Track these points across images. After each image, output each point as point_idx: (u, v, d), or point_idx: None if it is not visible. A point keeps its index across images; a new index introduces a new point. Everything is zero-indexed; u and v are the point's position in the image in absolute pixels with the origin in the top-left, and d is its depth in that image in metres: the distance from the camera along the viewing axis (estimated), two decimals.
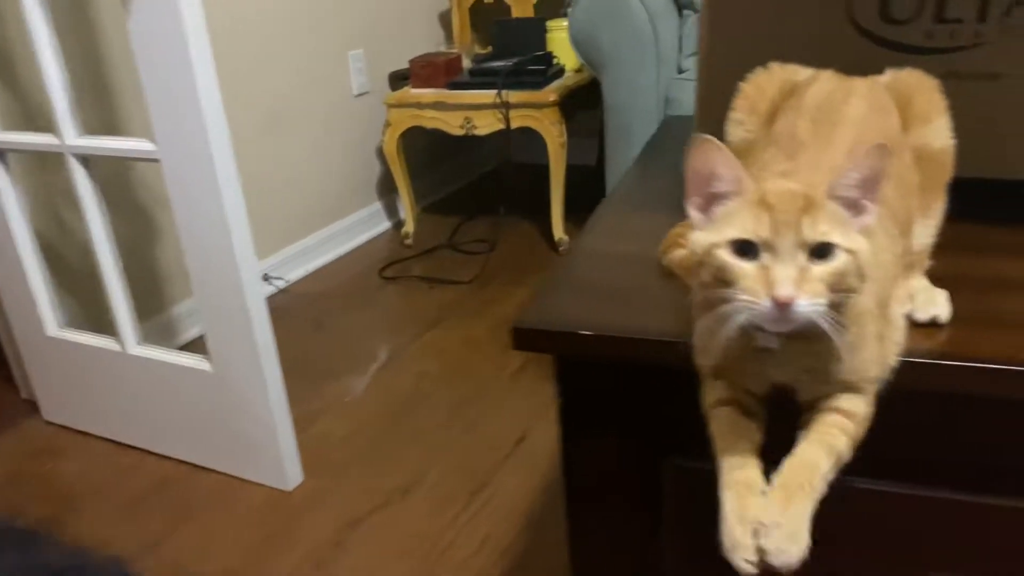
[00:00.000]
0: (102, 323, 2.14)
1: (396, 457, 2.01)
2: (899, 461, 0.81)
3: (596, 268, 1.01)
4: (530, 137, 3.00)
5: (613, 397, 0.90)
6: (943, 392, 0.76)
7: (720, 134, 0.85)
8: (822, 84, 0.88)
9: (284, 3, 2.95)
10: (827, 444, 0.67)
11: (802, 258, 0.60)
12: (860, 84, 0.87)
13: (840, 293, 0.60)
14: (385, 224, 3.52)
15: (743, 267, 0.60)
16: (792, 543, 0.63)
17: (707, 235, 0.64)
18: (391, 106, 3.13)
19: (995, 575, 0.83)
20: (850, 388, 0.69)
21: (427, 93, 3.08)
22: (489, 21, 3.41)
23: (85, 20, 2.34)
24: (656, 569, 0.93)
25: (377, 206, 3.50)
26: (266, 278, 2.94)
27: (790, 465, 0.67)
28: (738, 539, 0.64)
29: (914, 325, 0.78)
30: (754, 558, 0.64)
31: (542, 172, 3.03)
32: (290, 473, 1.92)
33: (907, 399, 0.74)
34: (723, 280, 0.62)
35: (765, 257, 0.60)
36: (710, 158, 0.64)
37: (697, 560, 0.63)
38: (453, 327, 2.63)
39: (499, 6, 3.46)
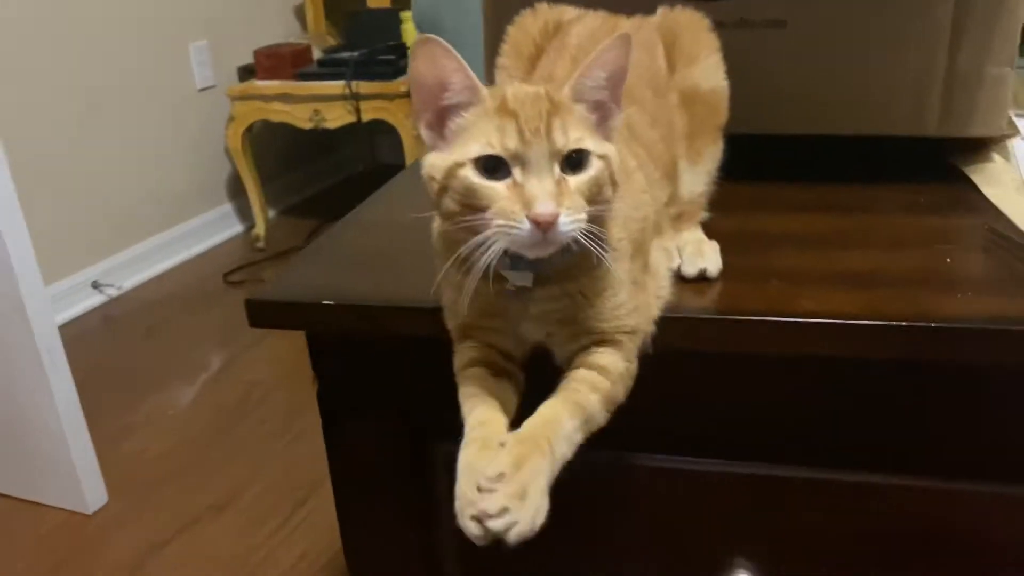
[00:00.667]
0: None
1: (215, 472, 1.83)
2: (668, 431, 0.72)
3: (364, 238, 0.89)
4: (397, 138, 2.87)
5: (371, 376, 0.79)
6: (714, 352, 0.68)
7: None
8: (587, 23, 0.80)
9: None
10: (572, 402, 0.57)
11: (556, 170, 0.52)
12: (626, 23, 0.78)
13: (597, 205, 0.53)
14: (237, 227, 3.31)
15: (494, 187, 0.52)
16: (519, 503, 0.50)
17: (445, 156, 0.54)
18: (235, 99, 2.94)
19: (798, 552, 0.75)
20: (605, 340, 0.59)
21: (273, 85, 2.91)
22: (345, 13, 3.27)
23: None
24: (433, 561, 0.82)
25: (228, 208, 3.29)
26: (95, 285, 2.71)
27: (529, 422, 0.56)
28: (466, 494, 0.52)
29: (684, 281, 0.70)
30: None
31: None
32: (90, 494, 1.72)
33: (676, 359, 0.65)
34: (471, 206, 0.52)
35: (517, 172, 0.52)
36: (437, 64, 0.53)
37: (476, 551, 0.50)
38: (293, 333, 2.45)
39: None
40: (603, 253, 0.53)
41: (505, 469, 0.51)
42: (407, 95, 2.78)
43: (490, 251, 0.52)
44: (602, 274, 0.57)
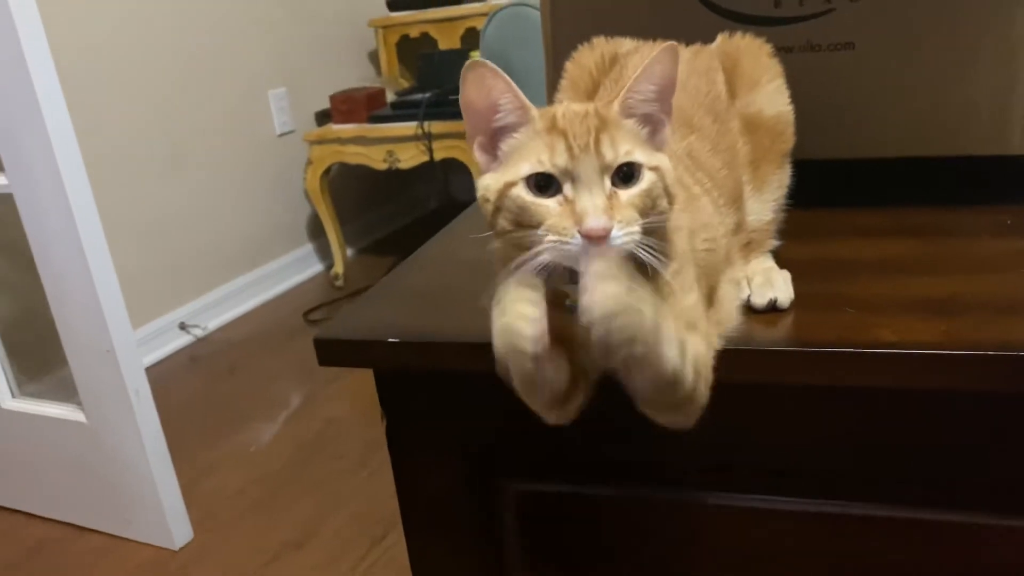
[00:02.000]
0: None
1: (294, 508, 1.86)
2: (735, 468, 0.70)
3: (430, 274, 0.90)
4: (469, 175, 2.91)
5: (438, 413, 0.78)
6: (784, 384, 0.65)
7: None
8: (644, 54, 0.79)
9: (197, 41, 2.86)
10: (680, 337, 0.52)
11: (607, 184, 0.52)
12: (684, 51, 0.77)
13: (651, 217, 0.53)
14: (317, 267, 3.40)
15: (545, 204, 0.52)
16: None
17: (498, 176, 0.54)
18: (312, 143, 3.03)
19: None
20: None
21: (348, 128, 2.98)
22: (417, 56, 3.34)
23: None
24: None
25: (308, 248, 3.38)
26: (182, 326, 2.80)
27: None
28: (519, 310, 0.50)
29: (754, 312, 0.68)
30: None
31: None
32: (176, 531, 1.76)
33: (744, 392, 0.63)
34: (524, 223, 0.53)
35: (567, 189, 0.52)
36: (486, 85, 0.54)
37: None
38: (368, 370, 2.49)
39: (427, 41, 3.40)
40: (662, 263, 0.52)
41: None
42: None
43: (535, 260, 0.51)
44: (671, 279, 0.56)
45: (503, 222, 0.54)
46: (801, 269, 0.72)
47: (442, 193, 4.01)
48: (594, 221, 0.50)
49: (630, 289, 0.47)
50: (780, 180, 0.75)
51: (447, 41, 3.33)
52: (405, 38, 3.45)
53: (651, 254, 0.52)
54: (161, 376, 2.56)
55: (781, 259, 0.74)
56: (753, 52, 0.76)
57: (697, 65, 0.75)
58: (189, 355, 2.76)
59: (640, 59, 0.78)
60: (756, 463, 0.70)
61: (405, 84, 3.44)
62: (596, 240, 0.50)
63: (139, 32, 2.67)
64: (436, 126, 2.83)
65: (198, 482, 1.94)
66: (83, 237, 1.53)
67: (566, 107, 0.55)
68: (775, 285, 0.68)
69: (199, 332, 2.84)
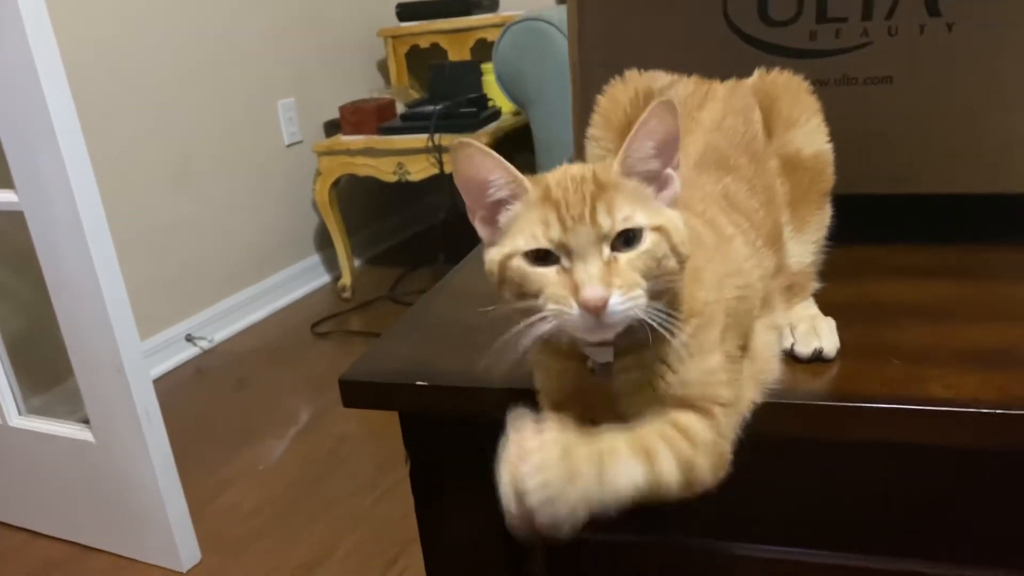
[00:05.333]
0: None
1: (305, 529, 1.84)
2: (773, 520, 0.68)
3: (456, 309, 0.88)
4: None
5: (465, 459, 0.76)
6: (830, 439, 0.64)
7: None
8: (679, 90, 0.77)
9: (205, 51, 2.85)
10: (641, 445, 0.52)
11: (606, 251, 0.51)
12: (720, 88, 0.76)
13: (660, 279, 0.51)
14: (324, 278, 3.38)
15: (544, 273, 0.51)
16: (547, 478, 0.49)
17: (499, 248, 0.54)
18: (321, 154, 3.01)
19: None
20: (693, 408, 0.55)
21: (357, 140, 2.96)
22: (427, 67, 3.32)
23: None
24: None
25: (315, 259, 3.36)
26: (189, 338, 2.78)
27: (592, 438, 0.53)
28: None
29: (797, 361, 0.66)
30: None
31: None
32: (184, 552, 1.74)
33: (786, 445, 0.62)
34: (527, 293, 0.52)
35: (564, 259, 0.51)
36: (475, 164, 0.54)
37: None
38: None
39: (437, 51, 3.38)
40: (674, 327, 0.51)
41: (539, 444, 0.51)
42: (489, 147, 2.80)
43: (537, 329, 0.51)
44: (687, 341, 0.54)
45: (507, 293, 0.54)
46: (842, 313, 0.70)
47: (451, 205, 3.99)
48: (590, 292, 0.49)
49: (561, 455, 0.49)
50: (820, 221, 0.73)
51: (457, 52, 3.31)
52: (415, 48, 3.44)
53: (660, 320, 0.50)
54: (167, 389, 2.54)
55: (821, 302, 0.72)
56: (791, 89, 0.74)
57: (734, 103, 0.73)
58: (195, 367, 2.74)
59: (675, 95, 0.76)
60: (788, 514, 0.68)
61: (415, 95, 3.42)
62: (594, 310, 0.49)
63: (147, 42, 2.65)
64: (446, 139, 2.81)
65: (206, 502, 1.92)
66: (95, 257, 1.51)
67: (562, 173, 0.54)
68: (821, 334, 0.66)
69: (205, 344, 2.82)
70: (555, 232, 0.51)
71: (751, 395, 0.59)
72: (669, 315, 0.51)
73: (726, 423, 0.55)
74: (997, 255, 0.83)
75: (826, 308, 0.71)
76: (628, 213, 0.51)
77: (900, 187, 0.86)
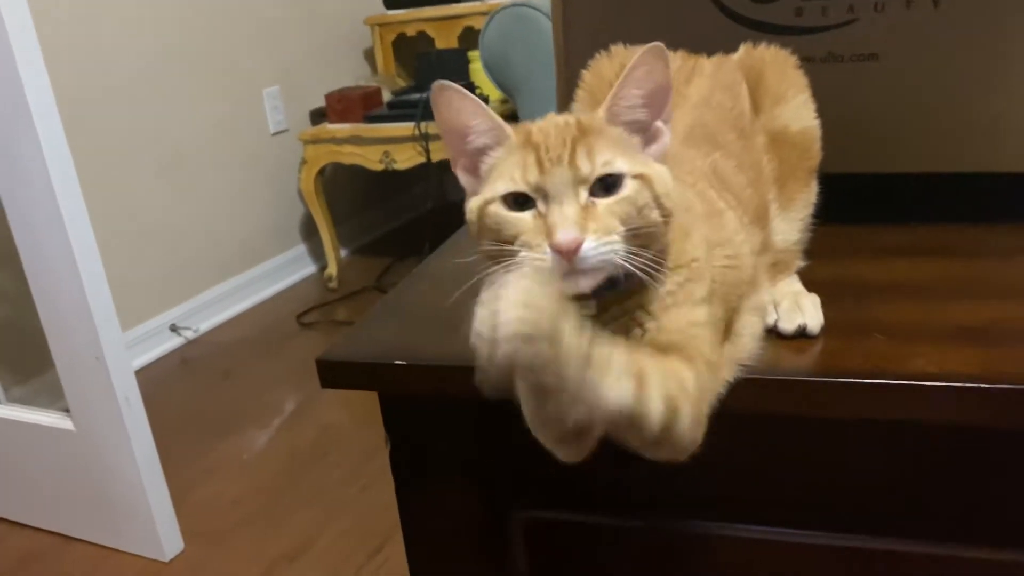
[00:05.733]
0: None
1: (288, 519, 1.82)
2: (761, 500, 0.67)
3: (435, 292, 0.86)
4: None
5: (445, 440, 0.75)
6: (814, 416, 0.62)
7: None
8: None
9: (190, 38, 2.81)
10: (638, 370, 0.47)
11: (583, 195, 0.50)
12: (707, 63, 0.75)
13: (641, 229, 0.50)
14: (310, 268, 3.36)
15: (520, 217, 0.51)
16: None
17: (479, 196, 0.53)
18: (307, 142, 2.99)
19: None
20: (675, 353, 0.52)
21: (343, 128, 2.94)
22: (414, 55, 3.30)
23: None
24: None
25: (301, 249, 3.34)
26: (174, 328, 2.76)
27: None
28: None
29: (781, 338, 0.65)
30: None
31: None
32: (167, 542, 1.72)
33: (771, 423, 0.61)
34: (504, 239, 0.51)
35: (540, 203, 0.50)
36: (454, 107, 0.53)
37: None
38: None
39: (424, 39, 3.36)
40: (659, 274, 0.50)
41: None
42: None
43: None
44: (674, 290, 0.53)
45: (485, 241, 0.53)
46: (827, 291, 0.69)
47: (438, 194, 3.97)
48: (562, 235, 0.47)
49: (552, 316, 0.42)
50: (807, 198, 0.72)
51: (445, 40, 3.29)
52: (402, 36, 3.41)
53: (641, 265, 0.49)
54: (151, 379, 2.52)
55: (805, 280, 0.71)
56: (778, 64, 0.73)
57: (721, 79, 0.71)
58: (180, 358, 2.72)
59: None
60: (768, 495, 0.67)
61: (402, 83, 3.40)
62: (566, 253, 0.47)
63: (131, 29, 2.62)
64: (434, 127, 2.79)
65: (189, 491, 1.91)
66: (74, 245, 1.49)
67: (544, 121, 0.53)
68: (804, 310, 0.65)
69: (190, 334, 2.80)
70: (532, 175, 0.50)
71: (727, 376, 0.58)
72: (654, 261, 0.50)
73: (709, 384, 0.53)
74: (981, 234, 0.82)
75: (810, 285, 0.70)
76: (608, 158, 0.50)
77: (885, 166, 0.86)
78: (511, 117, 2.46)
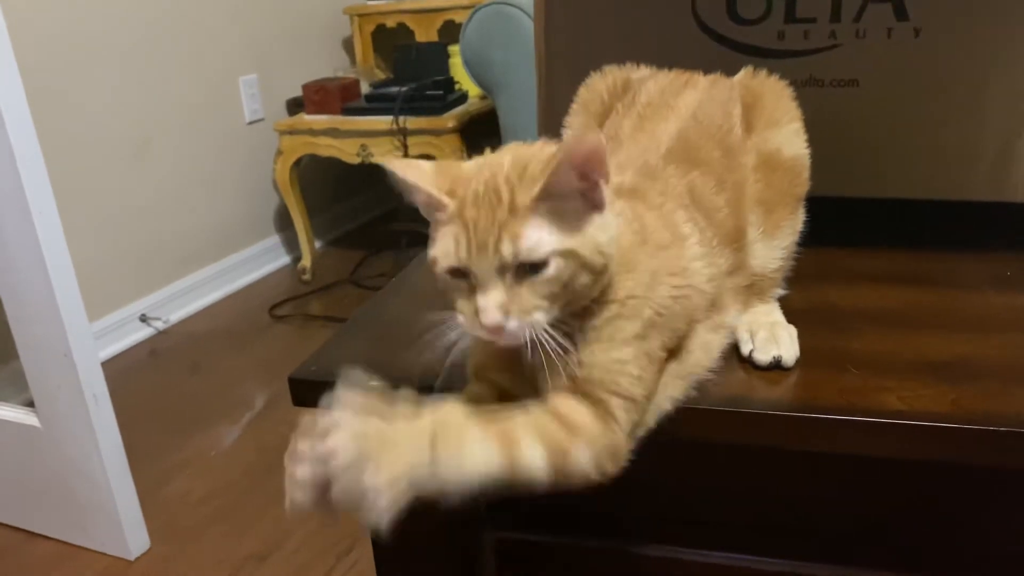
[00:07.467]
0: None
1: (257, 519, 1.81)
2: (726, 526, 0.67)
3: (410, 307, 0.85)
4: None
5: None
6: (786, 449, 0.63)
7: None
8: (658, 80, 0.76)
9: (165, 24, 2.77)
10: (499, 432, 0.52)
11: (508, 278, 0.53)
12: (702, 80, 0.75)
13: (573, 296, 0.54)
14: (284, 259, 3.33)
15: (458, 286, 0.55)
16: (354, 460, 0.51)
17: (431, 249, 0.56)
18: (283, 133, 2.96)
19: None
20: (585, 396, 0.54)
21: (321, 119, 2.91)
22: (393, 47, 3.28)
23: None
24: None
25: (275, 240, 3.31)
26: (143, 318, 2.73)
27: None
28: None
29: (756, 369, 0.65)
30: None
31: None
32: (132, 540, 1.70)
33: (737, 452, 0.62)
34: (448, 296, 0.56)
35: (472, 278, 0.54)
36: (399, 183, 0.56)
37: None
38: None
39: (404, 31, 3.33)
40: (567, 349, 0.53)
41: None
42: (454, 130, 2.77)
43: (449, 333, 0.56)
44: (600, 325, 0.55)
45: (439, 286, 0.56)
46: (801, 318, 0.69)
47: None
48: (486, 318, 0.52)
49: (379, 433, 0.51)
50: (792, 226, 0.72)
51: (425, 33, 3.27)
52: (381, 28, 3.38)
53: (560, 340, 0.52)
54: (119, 371, 2.49)
55: (788, 304, 0.72)
56: (776, 92, 0.74)
57: (714, 94, 0.72)
58: (149, 349, 2.68)
59: (654, 85, 0.75)
60: (734, 520, 0.68)
61: (380, 75, 3.37)
62: (492, 333, 0.52)
63: (103, 13, 2.58)
64: (411, 121, 2.77)
65: (157, 488, 1.89)
66: (41, 235, 1.46)
67: (478, 189, 0.53)
68: (780, 342, 0.65)
69: (160, 325, 2.77)
70: (463, 255, 0.53)
71: (673, 392, 0.59)
72: (580, 326, 0.54)
73: (623, 418, 0.55)
74: (956, 263, 0.83)
75: (785, 311, 0.70)
76: (534, 243, 0.51)
77: (862, 191, 0.86)
78: (491, 114, 2.44)
